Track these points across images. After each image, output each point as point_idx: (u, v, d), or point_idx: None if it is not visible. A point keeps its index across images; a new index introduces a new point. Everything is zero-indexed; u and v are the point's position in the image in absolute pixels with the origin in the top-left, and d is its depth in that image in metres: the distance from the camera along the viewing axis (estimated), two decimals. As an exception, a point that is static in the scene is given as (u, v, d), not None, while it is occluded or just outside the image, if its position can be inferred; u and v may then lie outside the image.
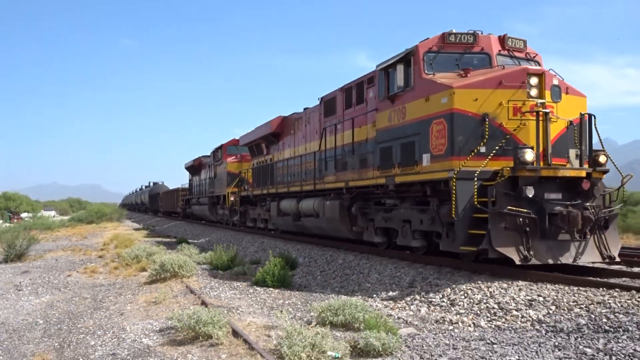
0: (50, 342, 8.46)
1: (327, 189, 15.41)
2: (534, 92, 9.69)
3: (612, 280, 8.77)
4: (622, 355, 5.73)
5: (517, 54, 11.29)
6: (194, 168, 39.55)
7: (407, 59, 11.22)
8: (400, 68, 11.24)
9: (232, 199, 26.78)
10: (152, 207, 67.36)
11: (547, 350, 6.19)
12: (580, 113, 10.00)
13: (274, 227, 21.56)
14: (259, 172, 23.07)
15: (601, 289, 8.02)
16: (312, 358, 6.08)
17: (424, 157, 10.55)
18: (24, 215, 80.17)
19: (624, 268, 10.66)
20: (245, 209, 25.24)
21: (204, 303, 9.50)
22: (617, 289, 7.83)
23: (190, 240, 24.72)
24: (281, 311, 8.00)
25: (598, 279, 8.88)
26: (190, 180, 42.57)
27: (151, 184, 74.09)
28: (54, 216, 75.37)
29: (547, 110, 9.52)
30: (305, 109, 18.28)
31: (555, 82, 9.93)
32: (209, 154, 34.91)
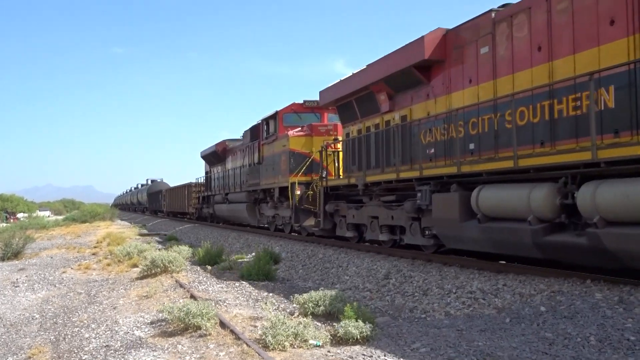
0: (46, 336, 8.34)
1: None
2: None
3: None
4: (580, 339, 5.83)
5: None
6: (216, 156, 28.50)
7: None
8: None
9: (298, 192, 16.46)
10: (151, 206, 57.34)
11: (511, 335, 6.27)
12: None
13: (442, 244, 10.51)
14: (368, 145, 13.10)
15: (560, 278, 8.13)
16: (295, 346, 6.08)
17: None
18: (20, 215, 78.93)
19: None
20: (335, 209, 14.60)
21: (192, 296, 9.44)
22: (574, 278, 7.94)
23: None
24: (265, 303, 8.00)
25: (557, 269, 8.96)
26: (207, 173, 31.53)
27: (149, 181, 64.72)
28: (48, 216, 74.26)
29: None
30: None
31: None
32: (236, 137, 25.95)
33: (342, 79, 14.36)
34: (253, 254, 14.66)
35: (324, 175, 15.35)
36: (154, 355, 6.41)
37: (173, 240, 22.48)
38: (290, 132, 17.85)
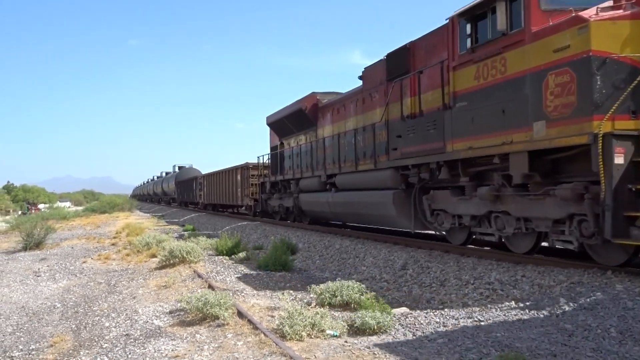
0: (67, 324, 8.49)
1: None
2: None
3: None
4: (600, 331, 5.77)
5: None
6: (300, 118, 18.27)
7: None
8: None
9: (621, 160, 6.51)
10: (181, 197, 47.26)
11: (530, 326, 6.22)
12: None
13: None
14: None
15: (580, 269, 8.04)
16: (312, 336, 6.11)
17: None
18: (41, 206, 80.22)
19: None
20: None
21: (210, 286, 9.52)
22: (594, 269, 7.84)
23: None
24: (283, 293, 8.03)
25: (576, 261, 8.86)
26: (276, 149, 21.33)
27: (176, 168, 55.26)
28: (69, 207, 75.25)
29: None
30: None
31: None
32: (334, 91, 17.36)
33: None
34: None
35: None
36: (173, 344, 6.49)
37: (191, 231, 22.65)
38: (589, 14, 7.18)
